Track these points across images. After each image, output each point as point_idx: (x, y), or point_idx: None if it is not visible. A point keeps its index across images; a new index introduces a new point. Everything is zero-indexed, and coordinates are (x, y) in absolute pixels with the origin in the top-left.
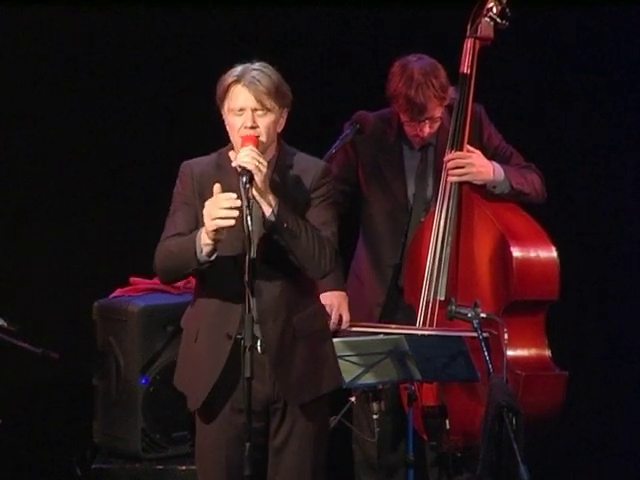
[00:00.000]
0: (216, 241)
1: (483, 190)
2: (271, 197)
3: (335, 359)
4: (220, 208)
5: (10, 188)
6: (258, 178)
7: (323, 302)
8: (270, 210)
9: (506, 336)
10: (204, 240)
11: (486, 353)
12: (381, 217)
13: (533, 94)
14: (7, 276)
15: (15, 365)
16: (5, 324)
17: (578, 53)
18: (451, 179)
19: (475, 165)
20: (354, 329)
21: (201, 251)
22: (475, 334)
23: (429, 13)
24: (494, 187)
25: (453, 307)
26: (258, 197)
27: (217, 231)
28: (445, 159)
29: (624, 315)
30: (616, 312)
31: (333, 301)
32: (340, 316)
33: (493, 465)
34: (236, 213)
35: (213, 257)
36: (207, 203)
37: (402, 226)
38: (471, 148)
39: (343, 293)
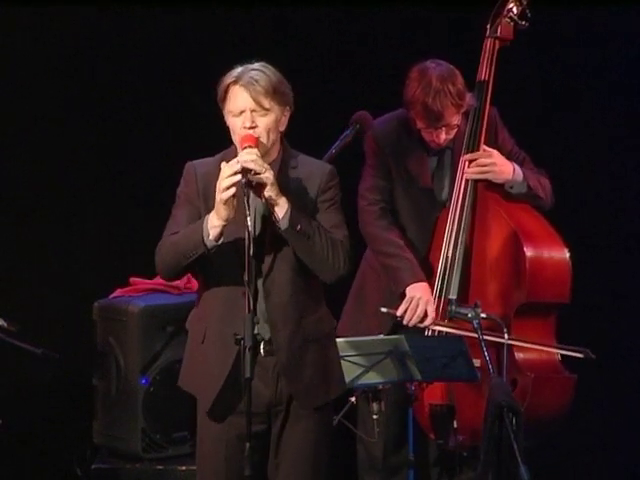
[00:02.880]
0: (226, 220)
1: (498, 190)
2: (283, 200)
3: (340, 364)
4: (224, 178)
5: (10, 188)
6: (268, 182)
7: (411, 294)
8: (283, 213)
9: (506, 336)
10: (212, 222)
11: (486, 353)
12: (409, 216)
13: (541, 96)
14: (7, 276)
15: (15, 365)
16: (5, 324)
17: (586, 55)
18: (471, 176)
19: (497, 164)
20: (437, 328)
21: (208, 235)
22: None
23: (429, 13)
24: (511, 187)
25: (453, 307)
26: (270, 200)
27: (227, 204)
28: (466, 157)
29: (627, 316)
30: (620, 313)
31: (423, 293)
32: (425, 311)
33: (493, 465)
34: (238, 177)
35: (220, 241)
36: (217, 183)
37: (430, 225)
38: (489, 148)
39: (427, 285)
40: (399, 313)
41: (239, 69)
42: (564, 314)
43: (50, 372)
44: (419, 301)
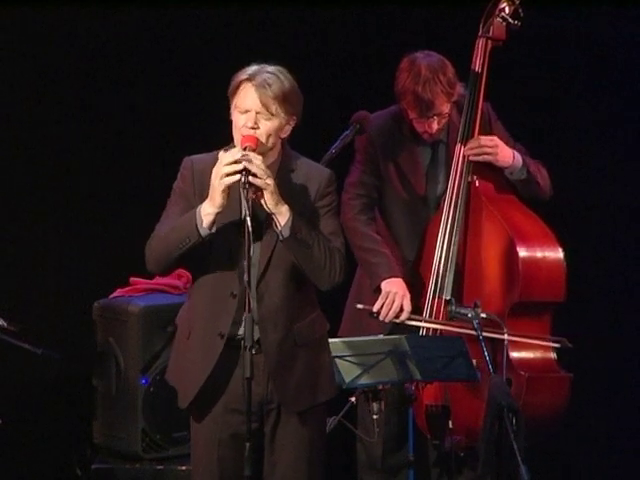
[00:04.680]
0: (219, 208)
1: (492, 188)
2: (285, 208)
3: (332, 368)
4: (224, 165)
5: (10, 188)
6: (268, 190)
7: (386, 289)
8: (284, 221)
9: (506, 336)
10: (205, 210)
11: (486, 353)
12: (400, 212)
13: (537, 92)
14: (7, 276)
15: (15, 365)
16: (5, 324)
17: (582, 52)
18: (474, 158)
19: (499, 146)
20: (411, 322)
21: (202, 222)
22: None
23: (433, 12)
24: (511, 173)
25: (453, 307)
26: (271, 209)
27: (224, 192)
28: (468, 144)
29: (626, 315)
30: (619, 312)
31: (398, 288)
32: (401, 306)
33: (493, 465)
34: (240, 166)
35: (214, 229)
36: (214, 169)
37: (422, 221)
38: (489, 136)
39: (402, 280)
40: (375, 309)
41: (254, 67)
42: (561, 312)
43: (50, 372)
44: (395, 296)
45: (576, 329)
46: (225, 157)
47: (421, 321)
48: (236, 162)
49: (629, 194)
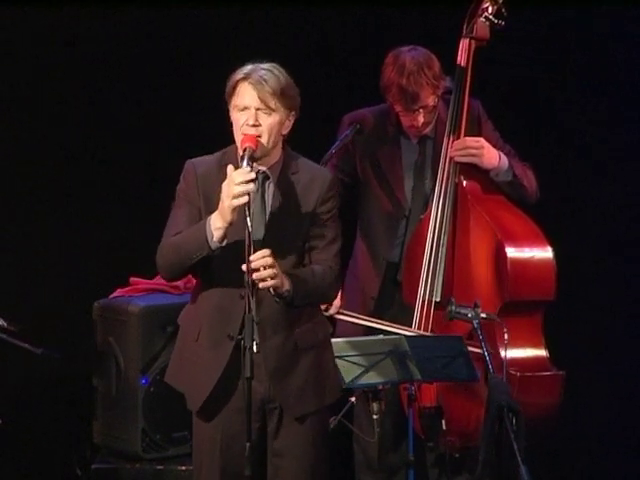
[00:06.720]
0: (230, 223)
1: (479, 188)
2: (285, 287)
3: (336, 369)
4: (235, 184)
5: (10, 188)
6: (273, 285)
7: None
8: (286, 294)
9: (506, 336)
10: (215, 224)
11: (486, 353)
12: (378, 211)
13: (527, 92)
14: (7, 276)
15: (15, 365)
16: (5, 324)
17: (574, 51)
18: (459, 159)
19: (484, 148)
20: (340, 317)
21: (212, 237)
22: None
23: (428, 13)
24: (497, 175)
25: (453, 307)
26: (276, 290)
27: (235, 211)
28: (454, 145)
29: (622, 313)
30: (615, 311)
31: None
32: None
33: (493, 465)
34: (251, 186)
35: (224, 242)
36: (223, 185)
37: (399, 220)
38: (475, 138)
39: None
40: None
41: (249, 67)
42: (559, 311)
43: (50, 372)
44: None
45: (572, 327)
46: (237, 176)
47: (352, 317)
48: (247, 182)
49: (629, 194)
